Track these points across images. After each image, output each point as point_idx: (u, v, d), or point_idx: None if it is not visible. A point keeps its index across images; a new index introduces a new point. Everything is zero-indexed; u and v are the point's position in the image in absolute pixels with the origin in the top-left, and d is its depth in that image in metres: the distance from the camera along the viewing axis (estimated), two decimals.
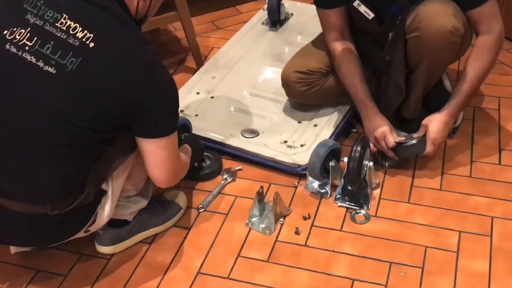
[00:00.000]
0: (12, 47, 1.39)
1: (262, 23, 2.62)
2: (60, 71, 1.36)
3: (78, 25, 1.38)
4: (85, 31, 1.38)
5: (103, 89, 1.37)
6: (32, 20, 1.40)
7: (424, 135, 1.87)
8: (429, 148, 1.86)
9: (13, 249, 1.70)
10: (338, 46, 1.98)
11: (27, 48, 1.38)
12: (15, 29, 1.40)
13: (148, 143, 1.49)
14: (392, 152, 1.89)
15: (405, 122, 2.00)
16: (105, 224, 1.61)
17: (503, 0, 2.45)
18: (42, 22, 1.40)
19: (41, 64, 1.37)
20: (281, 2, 2.57)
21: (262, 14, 2.67)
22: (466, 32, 1.78)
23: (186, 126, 2.00)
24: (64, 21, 1.39)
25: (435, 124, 1.85)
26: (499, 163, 1.97)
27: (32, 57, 1.37)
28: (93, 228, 1.59)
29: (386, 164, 1.95)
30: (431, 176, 1.93)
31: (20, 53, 1.38)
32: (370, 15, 1.88)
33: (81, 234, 1.58)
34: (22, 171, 1.41)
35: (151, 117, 1.45)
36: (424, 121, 1.87)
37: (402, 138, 1.88)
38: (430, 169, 1.96)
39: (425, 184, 1.91)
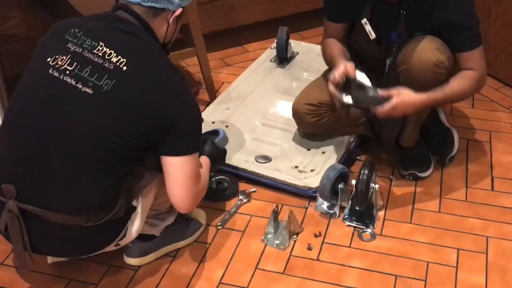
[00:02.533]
0: (54, 71, 1.54)
1: (270, 61, 2.81)
2: (97, 91, 1.51)
3: (112, 51, 1.54)
4: (119, 56, 1.53)
5: (134, 107, 1.52)
6: (72, 48, 1.56)
7: (386, 98, 1.86)
8: (384, 108, 1.85)
9: (49, 259, 1.82)
10: (330, 40, 2.14)
11: (67, 72, 1.53)
12: (57, 56, 1.56)
13: (171, 161, 1.59)
14: (334, 76, 1.92)
15: (403, 151, 2.18)
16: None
17: (491, 44, 2.68)
18: (81, 49, 1.55)
19: (79, 85, 1.52)
20: (289, 42, 2.78)
21: (270, 52, 2.87)
22: (450, 65, 1.93)
23: (217, 132, 2.04)
24: (100, 48, 1.55)
25: (407, 96, 1.87)
26: (492, 189, 2.15)
27: (72, 80, 1.52)
28: (123, 242, 1.72)
29: (344, 100, 1.92)
30: (431, 200, 2.10)
31: (61, 77, 1.53)
32: (373, 35, 2.03)
33: (111, 247, 1.70)
34: (62, 183, 1.54)
35: (176, 135, 1.57)
36: (399, 89, 1.87)
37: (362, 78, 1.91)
38: (429, 194, 2.13)
39: (425, 207, 2.07)
